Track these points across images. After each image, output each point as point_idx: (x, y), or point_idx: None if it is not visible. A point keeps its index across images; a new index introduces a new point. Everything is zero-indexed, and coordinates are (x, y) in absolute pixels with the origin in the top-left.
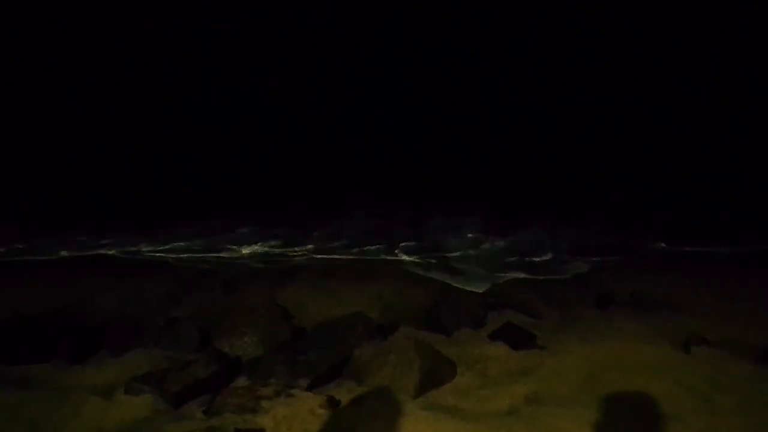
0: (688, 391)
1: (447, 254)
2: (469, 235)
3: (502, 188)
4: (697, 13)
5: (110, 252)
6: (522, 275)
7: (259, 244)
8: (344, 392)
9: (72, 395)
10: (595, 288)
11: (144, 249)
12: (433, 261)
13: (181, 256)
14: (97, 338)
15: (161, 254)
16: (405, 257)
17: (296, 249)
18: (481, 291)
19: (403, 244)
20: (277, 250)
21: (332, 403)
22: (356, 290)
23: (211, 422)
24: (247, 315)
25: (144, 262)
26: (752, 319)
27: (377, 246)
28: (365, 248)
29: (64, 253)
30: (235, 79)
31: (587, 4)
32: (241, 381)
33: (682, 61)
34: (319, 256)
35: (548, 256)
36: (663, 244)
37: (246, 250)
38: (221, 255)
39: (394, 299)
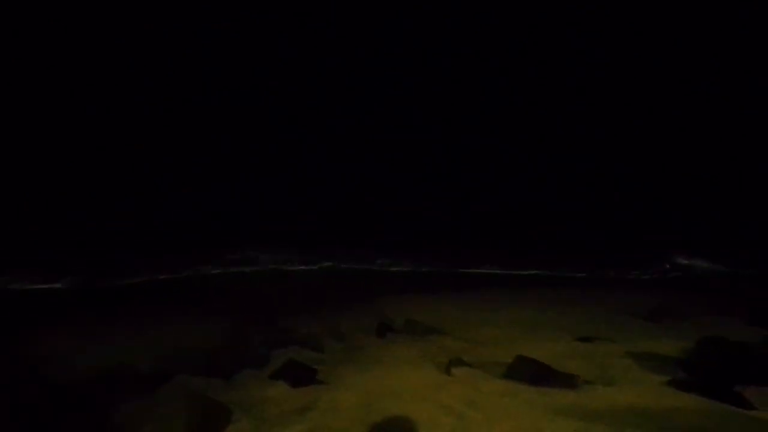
0: (446, 411)
1: None
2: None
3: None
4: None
5: None
6: None
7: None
8: None
9: None
10: (376, 316)
11: None
12: None
13: None
14: None
15: None
16: None
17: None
18: None
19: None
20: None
21: None
22: (128, 334)
23: None
24: None
25: None
26: (503, 338)
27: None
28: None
29: None
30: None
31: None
32: None
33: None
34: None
35: None
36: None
37: None
38: None
39: (172, 342)
